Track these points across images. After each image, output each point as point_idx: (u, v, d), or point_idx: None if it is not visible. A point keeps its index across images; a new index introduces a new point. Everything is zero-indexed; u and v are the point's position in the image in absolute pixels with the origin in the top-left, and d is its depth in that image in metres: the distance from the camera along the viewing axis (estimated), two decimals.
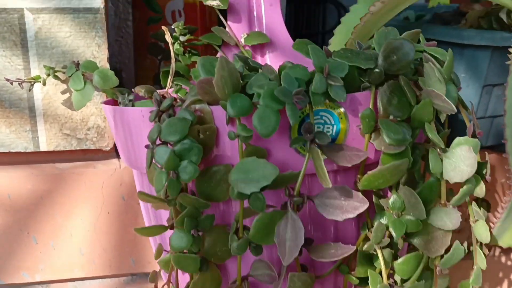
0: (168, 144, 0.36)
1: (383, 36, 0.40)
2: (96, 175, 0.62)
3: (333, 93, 0.35)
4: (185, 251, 0.38)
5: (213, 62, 0.38)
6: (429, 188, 0.39)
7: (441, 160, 0.38)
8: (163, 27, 0.59)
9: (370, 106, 0.37)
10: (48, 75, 0.53)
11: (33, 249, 0.63)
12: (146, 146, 0.36)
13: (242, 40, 0.61)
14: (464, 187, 0.38)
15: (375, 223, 0.37)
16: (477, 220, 0.41)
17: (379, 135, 0.37)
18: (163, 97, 0.38)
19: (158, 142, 0.36)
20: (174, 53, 0.62)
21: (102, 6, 0.54)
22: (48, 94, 0.56)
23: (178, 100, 0.38)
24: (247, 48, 0.62)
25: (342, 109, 0.37)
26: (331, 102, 0.37)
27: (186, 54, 0.62)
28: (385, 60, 0.37)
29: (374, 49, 0.41)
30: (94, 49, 0.55)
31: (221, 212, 0.41)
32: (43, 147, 0.58)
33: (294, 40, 0.63)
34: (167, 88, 0.58)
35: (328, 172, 0.40)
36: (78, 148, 0.59)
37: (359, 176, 0.39)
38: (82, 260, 0.64)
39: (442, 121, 0.39)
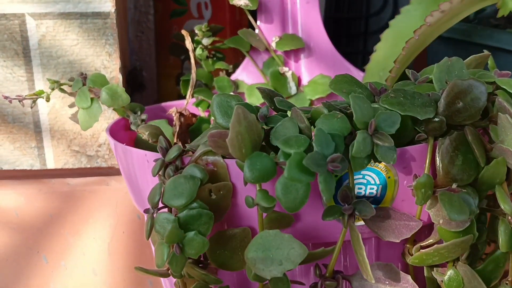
0: (173, 209, 0.29)
1: (445, 70, 0.31)
2: (109, 192, 0.56)
3: (380, 155, 0.27)
4: None
5: (232, 101, 0.31)
6: (495, 263, 0.31)
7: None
8: (183, 31, 0.52)
9: (427, 164, 0.30)
10: (53, 89, 0.47)
11: (44, 269, 0.59)
12: (145, 211, 0.29)
13: (273, 45, 0.53)
14: None
15: None
16: None
17: (436, 203, 0.29)
18: (169, 143, 0.31)
19: (160, 205, 0.30)
20: (197, 59, 0.55)
21: (113, 10, 0.47)
22: (55, 108, 0.50)
23: (187, 149, 0.31)
24: (278, 53, 0.54)
25: (389, 166, 0.30)
26: (377, 162, 0.29)
27: (210, 60, 0.55)
28: (448, 107, 0.29)
29: (431, 81, 0.33)
30: (105, 58, 0.49)
31: (236, 278, 0.34)
32: (51, 165, 0.52)
33: (332, 37, 0.55)
34: (186, 102, 0.51)
35: (369, 238, 0.33)
36: (88, 166, 0.53)
37: (408, 245, 0.32)
38: (95, 280, 0.60)
39: None
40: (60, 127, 0.51)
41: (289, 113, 0.32)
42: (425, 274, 0.32)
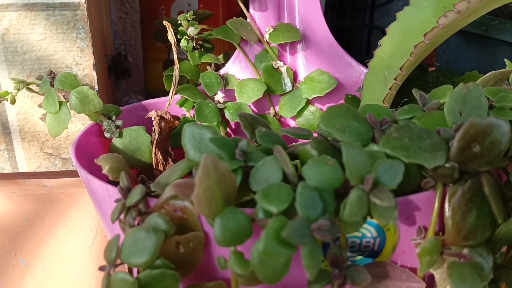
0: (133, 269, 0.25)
1: (460, 100, 0.26)
2: (87, 195, 0.52)
3: (378, 215, 0.22)
4: None
5: (205, 134, 0.26)
6: None
7: None
8: (165, 23, 0.47)
9: (433, 217, 0.25)
10: (18, 89, 0.42)
11: (22, 271, 0.55)
12: (101, 268, 0.25)
13: (267, 36, 0.48)
14: None
15: None
16: None
17: (442, 264, 0.24)
18: (134, 180, 0.26)
19: (118, 261, 0.25)
20: (182, 50, 0.49)
21: (83, 1, 0.41)
22: (24, 108, 0.45)
23: (152, 190, 0.26)
24: (272, 45, 0.48)
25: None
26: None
27: (196, 52, 0.49)
28: (462, 151, 0.24)
29: (442, 107, 0.28)
30: (76, 54, 0.43)
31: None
32: (22, 168, 0.48)
33: (336, 10, 0.49)
34: (169, 102, 0.46)
35: None
36: (64, 169, 0.49)
37: None
38: (77, 283, 0.56)
39: None
40: (31, 128, 0.46)
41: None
42: None
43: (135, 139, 0.42)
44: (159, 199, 0.26)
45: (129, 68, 0.63)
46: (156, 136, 0.42)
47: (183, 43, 0.48)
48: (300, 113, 0.48)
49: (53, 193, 0.52)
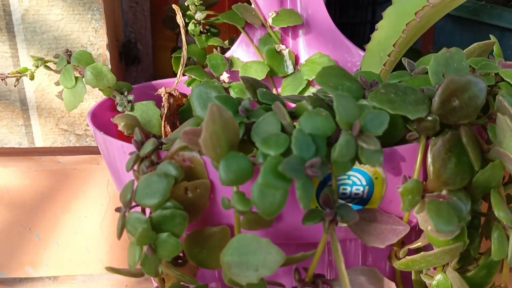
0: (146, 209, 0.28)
1: (443, 63, 0.29)
2: (100, 171, 0.55)
3: (365, 158, 0.25)
4: None
5: (211, 93, 0.29)
6: (487, 270, 0.29)
7: (508, 238, 0.28)
8: (174, 6, 0.50)
9: (417, 166, 0.28)
10: (37, 66, 0.45)
11: (37, 245, 0.58)
12: (117, 210, 0.28)
13: (270, 21, 0.50)
14: None
15: None
16: None
17: (424, 208, 0.27)
18: (147, 135, 0.29)
19: (133, 203, 0.28)
20: (190, 34, 0.52)
21: None
22: (41, 85, 0.48)
23: (164, 143, 0.29)
24: (275, 29, 0.51)
25: (377, 167, 0.28)
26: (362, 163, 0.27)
27: (203, 36, 0.52)
28: (443, 105, 0.27)
29: (427, 72, 0.30)
30: (91, 35, 0.46)
31: (219, 277, 0.33)
32: (39, 143, 0.51)
33: (339, 7, 0.52)
34: (177, 81, 0.49)
35: (356, 239, 0.31)
36: (78, 145, 0.52)
37: (395, 248, 0.30)
38: (88, 257, 0.59)
39: None
40: (47, 105, 0.49)
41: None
42: (413, 277, 0.31)
43: (146, 113, 0.45)
44: (169, 150, 0.29)
45: (139, 56, 0.66)
46: (165, 111, 0.45)
47: (190, 26, 0.51)
48: (301, 94, 0.51)
49: (67, 169, 0.55)
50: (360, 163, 0.26)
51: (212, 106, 0.25)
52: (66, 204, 0.56)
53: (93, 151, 0.56)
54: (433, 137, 0.28)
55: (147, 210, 0.28)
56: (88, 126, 0.51)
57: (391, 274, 0.32)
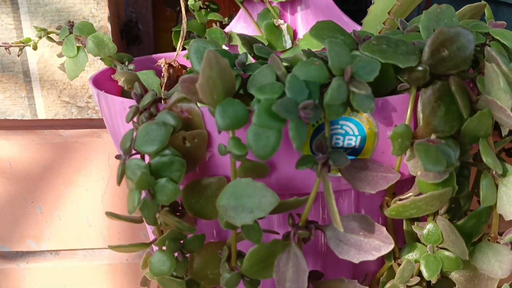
0: (145, 156, 0.29)
1: (433, 18, 0.30)
2: (101, 145, 0.56)
3: (356, 103, 0.26)
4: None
5: (209, 47, 0.30)
6: (476, 218, 0.30)
7: (496, 187, 0.29)
8: None
9: (408, 115, 0.29)
10: (40, 37, 0.46)
11: (38, 219, 0.59)
12: (117, 157, 0.29)
13: None
14: None
15: (403, 260, 0.30)
16: None
17: (415, 154, 0.28)
18: (145, 90, 0.30)
19: (133, 151, 0.29)
20: (190, 9, 0.53)
21: None
22: (44, 57, 0.49)
23: (163, 97, 0.30)
24: (274, 4, 0.52)
25: (370, 117, 0.29)
26: (355, 111, 0.28)
27: (203, 11, 0.53)
28: (433, 55, 0.28)
29: (419, 31, 0.31)
30: (93, 7, 0.47)
31: (215, 227, 0.34)
32: (41, 115, 0.52)
33: None
34: (176, 53, 0.50)
35: (349, 190, 0.32)
36: (79, 117, 0.53)
37: (387, 198, 0.31)
38: (90, 231, 0.60)
39: (504, 134, 0.30)
40: (50, 77, 0.50)
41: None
42: (404, 228, 0.32)
43: (146, 82, 0.45)
44: (168, 102, 0.30)
45: (140, 35, 0.67)
46: (165, 80, 0.46)
47: (190, 1, 0.52)
48: None
49: (69, 142, 0.56)
50: (352, 109, 0.27)
51: (208, 53, 0.26)
52: (68, 177, 0.57)
53: (95, 125, 0.57)
54: (423, 88, 0.28)
55: (146, 159, 0.29)
56: (90, 98, 0.52)
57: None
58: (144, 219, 0.30)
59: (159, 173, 0.28)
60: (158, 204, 0.28)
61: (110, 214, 0.30)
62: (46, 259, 0.62)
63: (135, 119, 0.30)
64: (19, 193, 0.58)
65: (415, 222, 0.32)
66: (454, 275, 0.32)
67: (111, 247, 0.33)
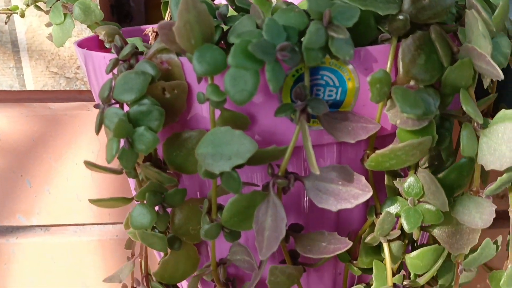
0: (124, 106, 0.29)
1: None
2: (90, 117, 0.56)
3: (335, 49, 0.26)
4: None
5: None
6: (458, 171, 0.30)
7: (478, 138, 0.29)
8: None
9: (388, 65, 0.28)
10: (28, 5, 0.46)
11: (28, 193, 0.59)
12: (96, 106, 0.29)
13: None
14: (504, 175, 0.29)
15: (383, 212, 0.30)
16: None
17: (395, 104, 0.28)
18: (125, 42, 0.30)
19: (113, 101, 0.29)
20: None
21: None
22: (32, 27, 0.49)
23: (145, 48, 0.30)
24: None
25: (350, 67, 0.29)
26: (334, 59, 0.28)
27: None
28: (413, 4, 0.27)
29: None
30: None
31: (197, 184, 0.34)
32: (30, 86, 0.52)
33: None
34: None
35: (331, 144, 0.32)
36: (68, 88, 0.52)
37: (368, 151, 0.31)
38: (79, 206, 0.60)
39: (486, 87, 0.30)
40: (38, 47, 0.50)
41: None
42: (386, 182, 0.32)
43: None
44: (147, 53, 0.30)
45: (131, 12, 0.67)
46: None
47: None
48: None
49: (58, 115, 0.55)
50: (332, 56, 0.27)
51: None
52: (57, 151, 0.57)
53: (84, 98, 0.57)
54: (404, 38, 0.28)
55: (126, 109, 0.29)
56: (78, 69, 0.52)
57: None
58: (124, 170, 0.30)
59: (137, 122, 0.28)
60: (136, 153, 0.28)
61: (88, 163, 0.30)
62: (36, 234, 0.62)
63: (115, 71, 0.30)
64: (8, 166, 0.58)
65: (398, 178, 0.32)
66: (437, 232, 0.32)
67: (92, 201, 0.32)
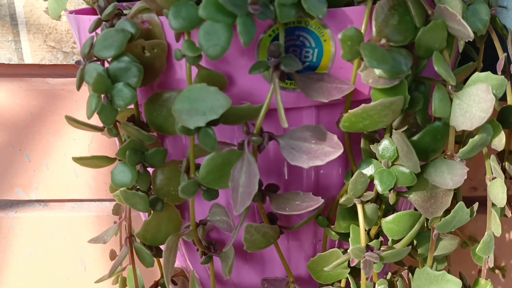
0: (105, 62, 0.29)
1: None
2: (88, 93, 0.57)
3: (308, 6, 0.26)
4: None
5: None
6: (432, 134, 0.30)
7: (451, 101, 0.29)
8: None
9: (363, 26, 0.29)
10: None
11: (27, 167, 0.60)
12: (77, 63, 0.30)
13: None
14: (476, 136, 0.29)
15: (356, 172, 0.30)
16: (494, 178, 0.33)
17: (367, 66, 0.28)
18: (109, 3, 0.31)
19: (94, 59, 0.30)
20: None
21: None
22: (29, 1, 0.50)
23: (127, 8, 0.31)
24: None
25: (328, 31, 0.29)
26: (310, 19, 0.28)
27: None
28: None
29: None
30: None
31: (180, 147, 0.35)
32: (28, 60, 0.53)
33: None
34: None
35: (309, 108, 0.32)
36: (64, 63, 0.54)
37: (343, 114, 0.31)
38: (77, 182, 0.61)
39: (460, 50, 0.30)
40: (36, 20, 0.51)
41: None
42: (362, 146, 0.32)
43: None
44: (129, 13, 0.30)
45: None
46: None
47: None
48: None
49: (55, 90, 0.57)
50: (306, 15, 0.28)
51: None
52: (55, 125, 0.58)
53: None
54: (379, 1, 0.29)
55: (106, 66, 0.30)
56: (75, 43, 0.53)
57: None
58: (104, 128, 0.31)
59: (116, 78, 0.29)
60: (116, 109, 0.29)
61: (69, 118, 0.31)
62: (35, 209, 0.63)
63: (98, 31, 0.31)
64: (7, 140, 0.59)
65: (372, 145, 0.32)
66: (413, 197, 0.33)
67: (75, 159, 0.33)
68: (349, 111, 0.29)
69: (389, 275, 0.38)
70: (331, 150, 0.28)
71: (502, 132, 0.30)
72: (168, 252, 0.32)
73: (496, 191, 0.32)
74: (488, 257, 0.34)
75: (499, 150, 0.31)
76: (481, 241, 0.34)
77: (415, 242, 0.36)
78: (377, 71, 0.27)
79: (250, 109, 0.29)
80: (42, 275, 0.64)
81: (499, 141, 0.30)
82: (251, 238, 0.31)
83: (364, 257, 0.30)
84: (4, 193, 0.62)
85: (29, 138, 0.59)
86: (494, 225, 0.34)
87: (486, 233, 0.34)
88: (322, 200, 0.30)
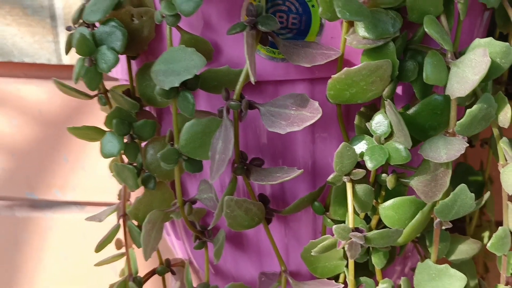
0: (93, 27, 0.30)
1: None
2: None
3: None
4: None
5: None
6: (430, 108, 0.28)
7: (448, 70, 0.27)
8: None
9: None
10: None
11: (65, 168, 0.63)
12: (67, 28, 0.31)
13: None
14: (474, 106, 0.26)
15: (341, 147, 0.28)
16: (508, 163, 0.29)
17: (354, 30, 0.27)
18: None
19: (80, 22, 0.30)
20: None
21: None
22: (68, 2, 0.53)
23: None
24: None
25: None
26: None
27: None
28: None
29: None
30: None
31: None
32: (66, 61, 0.56)
33: None
34: None
35: (303, 81, 0.31)
36: None
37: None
38: (113, 185, 0.62)
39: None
40: None
41: None
42: (355, 122, 0.30)
43: None
44: None
45: None
46: None
47: None
48: None
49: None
50: None
51: None
52: None
53: None
54: None
55: None
56: None
57: None
58: (93, 96, 0.31)
59: (101, 42, 0.29)
60: (100, 73, 0.29)
61: (56, 82, 0.31)
62: (72, 211, 0.65)
63: None
64: (47, 141, 0.61)
65: (371, 121, 0.30)
66: (414, 183, 0.30)
67: (69, 129, 0.34)
68: (333, 76, 0.27)
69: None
70: (309, 115, 0.27)
71: (508, 105, 0.27)
72: (151, 226, 0.31)
73: (510, 178, 0.29)
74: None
75: (505, 126, 0.28)
76: (494, 235, 0.30)
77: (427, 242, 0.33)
78: (361, 31, 0.26)
79: (229, 72, 0.28)
80: (75, 277, 0.65)
81: (505, 116, 0.27)
82: (232, 213, 0.29)
83: (350, 238, 0.28)
84: (42, 193, 0.64)
85: (67, 139, 0.61)
86: (511, 219, 0.30)
87: (500, 227, 0.30)
88: (301, 171, 0.28)
